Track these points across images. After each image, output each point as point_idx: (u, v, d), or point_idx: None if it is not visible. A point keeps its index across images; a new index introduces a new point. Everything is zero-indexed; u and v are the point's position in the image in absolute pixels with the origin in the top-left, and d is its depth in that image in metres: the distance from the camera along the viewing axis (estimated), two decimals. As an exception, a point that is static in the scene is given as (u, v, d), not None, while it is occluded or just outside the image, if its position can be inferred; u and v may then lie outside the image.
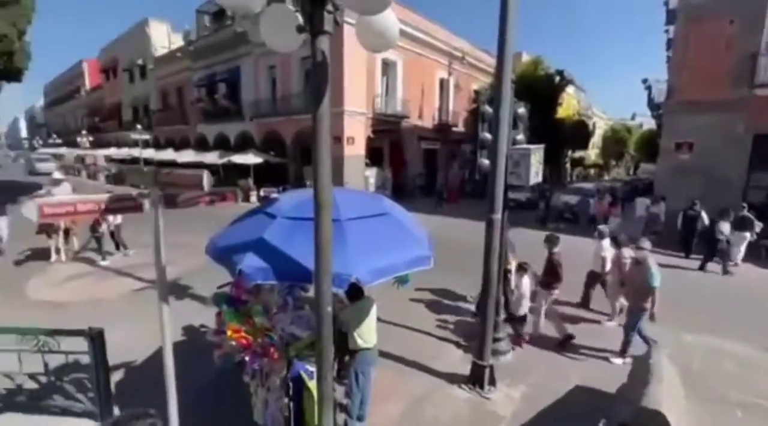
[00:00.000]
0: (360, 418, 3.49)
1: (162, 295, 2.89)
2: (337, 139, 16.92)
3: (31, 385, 3.81)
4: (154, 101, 29.88)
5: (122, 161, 28.59)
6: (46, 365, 3.67)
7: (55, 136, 49.10)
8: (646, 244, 4.78)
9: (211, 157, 20.78)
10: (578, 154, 38.31)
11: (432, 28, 21.44)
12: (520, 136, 4.76)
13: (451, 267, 7.69)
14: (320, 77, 2.15)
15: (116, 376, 4.11)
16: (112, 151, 30.66)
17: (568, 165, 37.56)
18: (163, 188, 2.62)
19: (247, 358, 3.01)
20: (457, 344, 5.38)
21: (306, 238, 2.33)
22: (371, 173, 18.86)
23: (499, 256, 4.27)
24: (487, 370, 4.26)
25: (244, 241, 2.72)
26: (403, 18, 18.41)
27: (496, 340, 4.76)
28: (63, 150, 40.23)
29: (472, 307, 6.43)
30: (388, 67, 19.74)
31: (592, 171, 45.28)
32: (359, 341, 3.32)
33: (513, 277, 5.31)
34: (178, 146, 26.08)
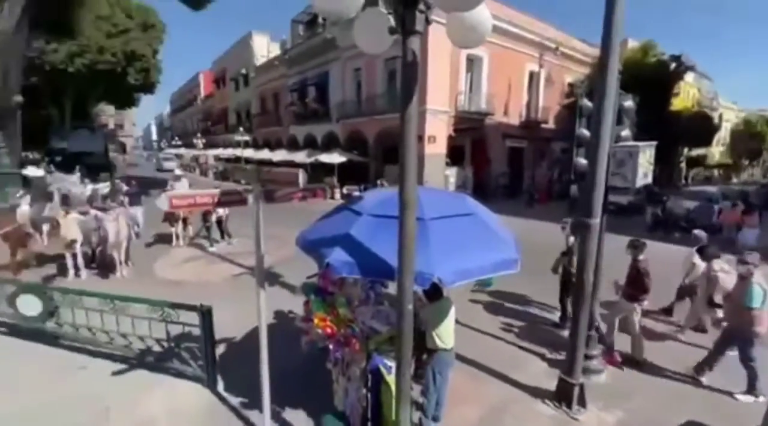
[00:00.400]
0: (435, 419, 3.47)
1: (260, 281, 3.20)
2: (418, 138, 16.93)
3: (157, 348, 4.53)
4: (254, 106, 33.22)
5: (227, 160, 32.40)
6: (168, 333, 4.34)
7: (177, 138, 57.58)
8: (754, 257, 4.20)
9: (301, 156, 22.42)
10: (697, 152, 32.93)
11: (524, 20, 20.28)
12: (626, 133, 4.25)
13: (536, 272, 7.19)
14: (410, 77, 2.17)
15: (219, 349, 4.66)
16: (220, 151, 34.89)
17: (683, 165, 32.56)
18: (264, 184, 2.90)
19: (330, 346, 3.18)
20: (542, 357, 5.03)
21: (389, 235, 2.38)
22: (451, 172, 18.56)
23: (596, 265, 3.88)
24: (577, 389, 3.91)
25: (331, 236, 2.88)
26: (494, 12, 17.66)
27: (588, 357, 4.34)
28: (182, 150, 47.01)
29: (556, 318, 6.02)
30: (473, 62, 19.18)
31: (716, 172, 38.53)
32: (438, 341, 3.30)
33: None
34: (273, 146, 28.65)
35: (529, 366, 4.81)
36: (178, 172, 11.26)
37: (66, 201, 10.19)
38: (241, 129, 29.90)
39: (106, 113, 51.88)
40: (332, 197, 17.78)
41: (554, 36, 22.10)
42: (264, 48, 32.68)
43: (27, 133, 15.84)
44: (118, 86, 30.64)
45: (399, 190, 2.25)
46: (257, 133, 32.03)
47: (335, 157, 20.24)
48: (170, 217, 9.88)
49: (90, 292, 4.64)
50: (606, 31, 3.38)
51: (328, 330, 3.09)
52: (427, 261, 2.49)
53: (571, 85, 23.41)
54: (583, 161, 4.08)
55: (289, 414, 3.76)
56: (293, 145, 26.38)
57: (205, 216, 10.07)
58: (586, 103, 4.23)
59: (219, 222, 10.20)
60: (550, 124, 22.92)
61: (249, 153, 28.75)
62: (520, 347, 5.26)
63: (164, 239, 10.36)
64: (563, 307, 5.82)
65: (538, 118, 22.22)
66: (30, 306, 4.78)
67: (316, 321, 3.11)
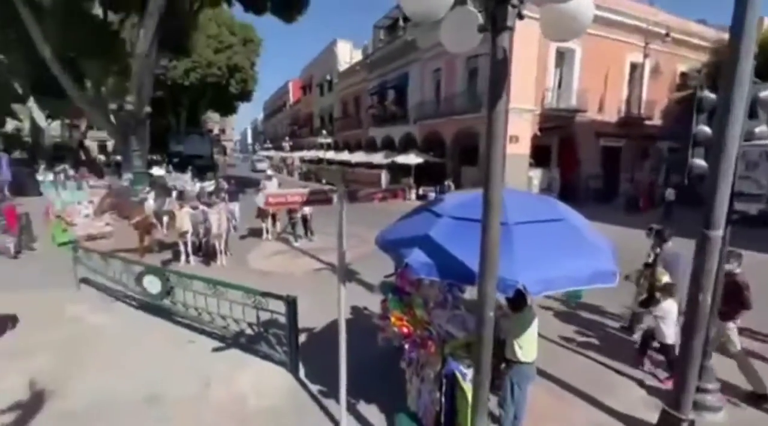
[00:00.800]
0: (512, 433, 3.29)
1: (341, 277, 3.34)
2: (499, 138, 16.25)
3: (249, 332, 5.01)
4: (336, 110, 34.97)
5: (311, 161, 34.58)
6: (258, 318, 4.77)
7: (268, 141, 63.12)
8: None
9: (378, 158, 22.99)
10: None
11: (627, 5, 18.25)
12: (762, 129, 3.56)
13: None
14: (499, 75, 2.08)
15: (302, 337, 4.99)
16: (304, 153, 37.38)
17: (838, 167, 26.32)
18: (348, 185, 3.03)
19: (406, 346, 3.20)
20: (640, 383, 4.47)
21: (470, 238, 2.31)
22: (535, 174, 17.46)
23: (715, 283, 3.32)
24: None
25: (411, 236, 2.90)
26: (586, -1, 16.19)
27: (701, 390, 3.74)
28: (273, 153, 51.35)
29: (636, 337, 5.37)
30: (563, 56, 17.80)
31: None
32: (519, 353, 3.13)
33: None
34: (353, 148, 29.84)
35: (622, 390, 4.31)
36: (269, 172, 12.33)
37: (181, 197, 11.81)
38: (324, 132, 31.69)
39: (212, 120, 59.08)
40: (408, 198, 17.93)
41: (664, 20, 19.46)
42: (347, 54, 34.19)
43: (152, 139, 18.78)
44: (222, 96, 34.68)
45: (483, 191, 2.17)
46: (338, 135, 33.67)
47: (412, 159, 20.36)
48: (262, 213, 10.88)
49: (198, 276, 5.31)
50: (738, 9, 2.87)
51: (405, 329, 3.11)
52: (510, 267, 2.37)
53: (684, 74, 20.39)
54: (700, 162, 3.52)
55: (363, 407, 3.87)
56: (371, 147, 27.18)
57: (291, 213, 10.87)
58: (708, 94, 3.63)
59: (305, 219, 10.91)
60: (656, 121, 20.25)
61: (330, 155, 30.35)
62: (610, 367, 4.75)
63: (256, 233, 11.43)
64: (635, 316, 5.52)
65: (640, 113, 19.78)
66: (152, 285, 5.64)
67: (392, 319, 3.16)
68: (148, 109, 16.05)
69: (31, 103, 32.23)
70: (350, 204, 3.12)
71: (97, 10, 16.04)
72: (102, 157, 32.81)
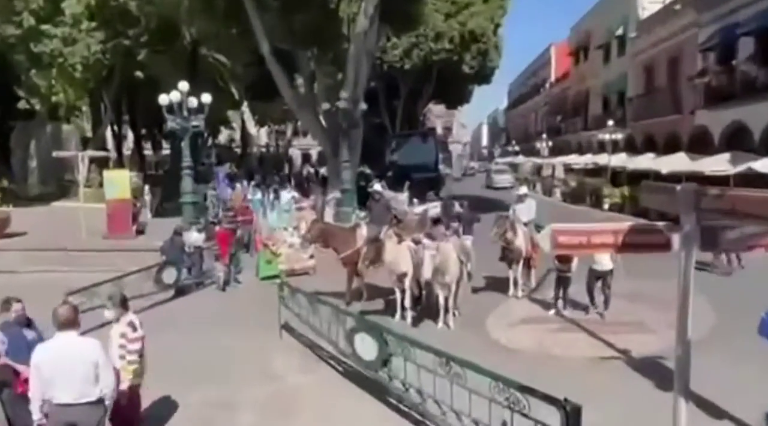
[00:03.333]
0: None
1: (681, 384, 2.93)
2: None
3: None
4: (631, 85, 33.07)
5: (584, 172, 33.59)
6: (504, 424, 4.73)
7: (513, 142, 65.58)
8: None
9: (716, 164, 20.28)
10: None
11: None
12: None
13: None
14: None
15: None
16: (572, 159, 36.80)
17: None
18: (706, 217, 2.65)
19: None
20: None
21: None
22: None
23: None
24: None
25: None
26: None
27: None
28: (519, 158, 52.90)
29: None
30: None
31: None
32: None
33: None
34: (661, 148, 27.40)
35: None
36: (522, 190, 12.63)
37: (398, 224, 13.44)
38: (610, 122, 30.28)
39: (434, 114, 66.35)
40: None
41: None
42: (654, -8, 32.19)
43: (363, 146, 22.38)
44: (451, 78, 38.41)
45: None
46: (634, 127, 31.61)
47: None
48: (509, 255, 11.10)
49: (425, 345, 5.78)
50: None
51: None
52: None
53: None
54: None
55: None
56: (699, 143, 24.24)
57: (562, 263, 10.00)
58: None
59: (600, 278, 9.68)
60: None
61: (619, 160, 28.82)
62: None
63: (498, 285, 11.79)
64: None
65: None
66: (366, 347, 6.49)
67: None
68: (363, 105, 19.36)
69: (244, 107, 44.56)
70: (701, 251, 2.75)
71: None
72: (310, 170, 41.08)
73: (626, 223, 2.89)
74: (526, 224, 11.75)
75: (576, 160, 35.96)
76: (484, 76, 40.28)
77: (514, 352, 8.30)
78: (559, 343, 8.67)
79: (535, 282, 11.95)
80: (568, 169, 36.41)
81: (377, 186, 16.11)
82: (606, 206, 26.50)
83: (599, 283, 9.81)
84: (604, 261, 9.40)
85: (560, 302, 10.19)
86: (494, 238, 10.83)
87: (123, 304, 5.53)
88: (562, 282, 10.10)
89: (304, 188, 26.19)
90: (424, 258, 9.45)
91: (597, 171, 31.34)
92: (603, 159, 30.22)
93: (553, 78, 53.18)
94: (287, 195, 18.97)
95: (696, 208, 2.62)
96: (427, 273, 9.42)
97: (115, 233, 17.05)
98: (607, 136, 29.86)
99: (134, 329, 5.35)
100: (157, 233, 15.49)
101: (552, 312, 10.21)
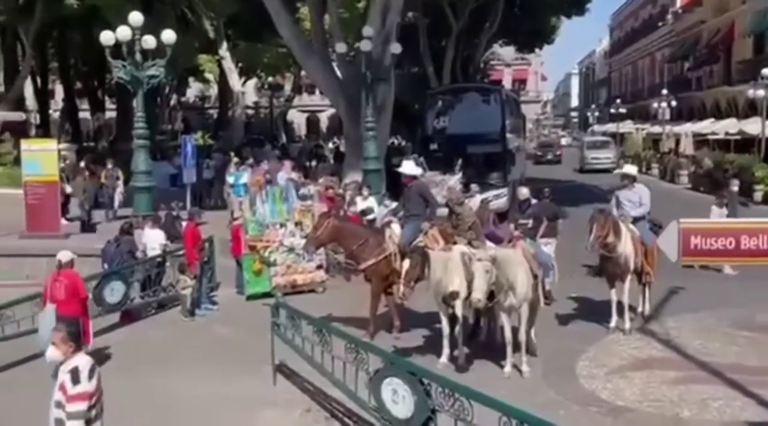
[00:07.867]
0: None
1: None
2: None
3: None
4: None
5: (723, 144, 32.83)
6: None
7: (618, 102, 64.35)
8: None
9: None
10: None
11: None
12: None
13: None
14: None
15: None
16: (706, 126, 36.09)
17: None
18: None
19: None
20: None
21: None
22: None
23: None
24: None
25: None
26: None
27: None
28: (627, 125, 52.07)
29: None
30: None
31: None
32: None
33: None
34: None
35: None
36: (629, 169, 12.35)
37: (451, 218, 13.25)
38: (766, 71, 29.59)
39: (500, 61, 65.37)
40: None
41: None
42: None
43: (395, 108, 22.03)
44: (526, 6, 37.76)
45: None
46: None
47: None
48: (610, 268, 10.82)
49: (487, 396, 5.69)
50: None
51: None
52: None
53: None
54: None
55: None
56: None
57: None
58: None
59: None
60: None
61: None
62: None
63: (593, 311, 11.66)
64: None
65: None
66: (400, 400, 6.43)
67: None
68: (396, 47, 19.12)
69: (224, 51, 44.56)
70: None
71: None
72: (322, 143, 40.90)
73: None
74: (635, 221, 11.46)
75: (712, 127, 35.57)
76: (574, 2, 39.53)
77: (621, 411, 8.14)
78: (688, 400, 8.50)
79: (649, 307, 11.72)
80: (701, 141, 35.60)
81: (408, 167, 14.34)
82: (758, 196, 26.16)
83: None
84: None
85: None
86: (591, 244, 10.40)
87: (73, 337, 4.59)
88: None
89: (306, 169, 26.04)
90: (475, 271, 8.99)
91: (744, 144, 31.14)
92: (754, 126, 29.65)
93: (678, 5, 52.21)
94: (284, 177, 18.77)
95: None
96: (478, 293, 8.99)
97: (36, 230, 16.48)
98: (760, 92, 29.14)
99: (76, 381, 4.30)
100: (111, 231, 14.87)
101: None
